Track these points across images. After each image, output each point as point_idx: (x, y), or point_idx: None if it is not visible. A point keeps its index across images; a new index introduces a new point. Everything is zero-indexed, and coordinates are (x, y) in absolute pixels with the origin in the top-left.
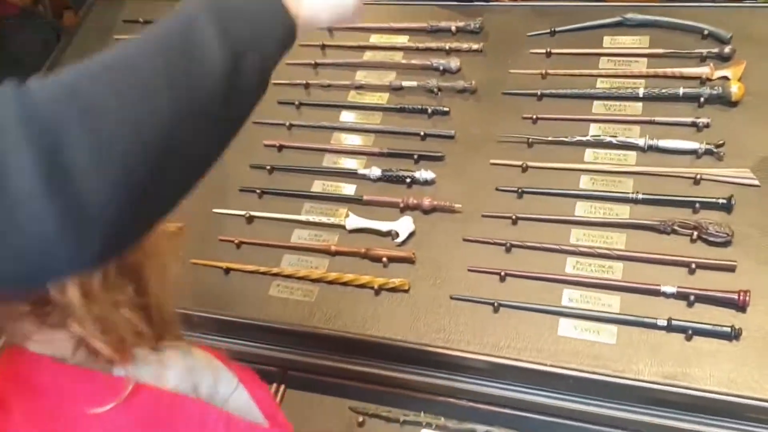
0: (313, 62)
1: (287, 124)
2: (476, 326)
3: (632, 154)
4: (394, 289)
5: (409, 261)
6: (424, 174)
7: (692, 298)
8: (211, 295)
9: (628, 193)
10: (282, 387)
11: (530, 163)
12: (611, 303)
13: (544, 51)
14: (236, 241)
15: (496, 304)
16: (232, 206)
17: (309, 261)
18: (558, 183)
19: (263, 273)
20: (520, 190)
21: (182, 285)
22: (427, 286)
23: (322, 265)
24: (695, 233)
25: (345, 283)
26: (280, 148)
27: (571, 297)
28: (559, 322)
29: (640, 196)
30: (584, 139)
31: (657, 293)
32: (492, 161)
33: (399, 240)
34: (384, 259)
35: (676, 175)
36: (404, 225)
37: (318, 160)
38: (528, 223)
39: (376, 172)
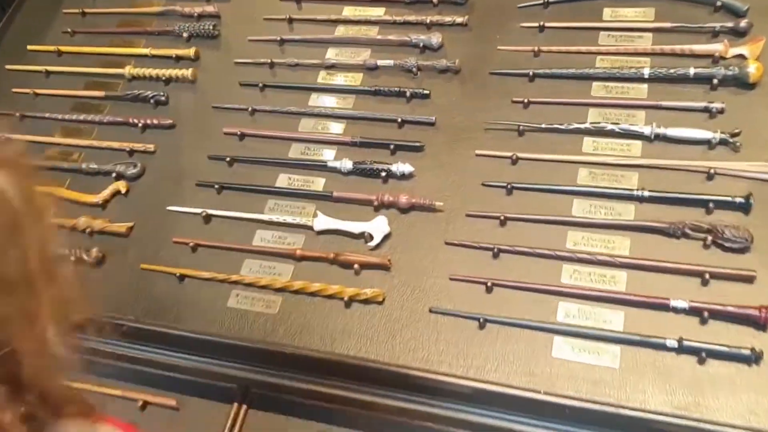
0: (278, 38)
1: (249, 109)
2: (459, 344)
3: (637, 144)
4: (366, 301)
5: (384, 268)
6: (401, 167)
7: (706, 314)
8: (163, 306)
9: (632, 189)
10: (243, 407)
11: (521, 154)
12: (613, 319)
13: (536, 25)
14: (192, 244)
15: (481, 320)
16: (188, 203)
17: (272, 267)
18: (552, 177)
19: (221, 281)
20: (509, 186)
21: (132, 292)
22: (403, 297)
23: (286, 271)
24: (709, 238)
25: (312, 293)
26: (242, 136)
27: (567, 312)
28: (553, 341)
29: (646, 193)
30: (582, 126)
31: (666, 308)
32: (478, 152)
33: (372, 243)
34: (356, 265)
35: (686, 168)
36: (378, 226)
37: (284, 151)
38: (518, 224)
39: (347, 164)
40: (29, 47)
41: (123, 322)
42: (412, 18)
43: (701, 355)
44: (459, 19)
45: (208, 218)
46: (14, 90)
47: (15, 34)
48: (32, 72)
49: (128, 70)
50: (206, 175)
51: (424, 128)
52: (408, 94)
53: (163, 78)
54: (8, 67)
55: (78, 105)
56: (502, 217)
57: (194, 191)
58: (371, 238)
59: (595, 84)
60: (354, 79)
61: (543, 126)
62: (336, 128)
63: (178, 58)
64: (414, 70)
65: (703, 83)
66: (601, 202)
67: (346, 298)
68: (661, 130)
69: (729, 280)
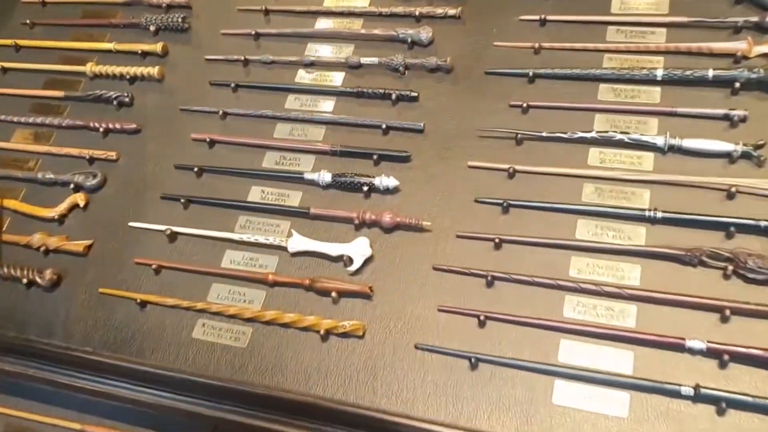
0: (253, 32)
1: (220, 112)
2: (448, 387)
3: (648, 157)
4: (345, 335)
5: (365, 296)
6: (385, 181)
7: (726, 357)
8: (123, 335)
9: (643, 209)
10: None
11: (519, 167)
12: (622, 361)
13: (537, 18)
14: (155, 266)
15: (473, 359)
16: (152, 218)
17: (242, 293)
18: (554, 193)
19: (186, 308)
20: (505, 203)
21: (90, 319)
22: (386, 330)
23: (257, 298)
24: (729, 267)
25: (285, 325)
26: (212, 143)
27: (570, 351)
28: (554, 384)
29: (659, 214)
30: (588, 135)
31: (680, 348)
32: (470, 163)
33: (352, 268)
34: (333, 293)
35: (704, 186)
36: (359, 248)
37: (257, 160)
38: (515, 248)
39: (326, 177)
40: None
41: (79, 353)
42: (399, 9)
43: (721, 404)
44: (451, 12)
45: (173, 236)
46: None
47: None
48: None
49: (90, 67)
50: (172, 187)
51: (412, 135)
52: (394, 96)
53: (128, 76)
54: None
55: (36, 106)
56: (496, 240)
57: (159, 204)
58: (351, 261)
59: (602, 86)
60: (335, 79)
61: (544, 134)
62: (315, 134)
63: (145, 54)
64: (401, 68)
65: (724, 87)
66: (608, 223)
67: (322, 331)
68: (676, 141)
69: (752, 317)
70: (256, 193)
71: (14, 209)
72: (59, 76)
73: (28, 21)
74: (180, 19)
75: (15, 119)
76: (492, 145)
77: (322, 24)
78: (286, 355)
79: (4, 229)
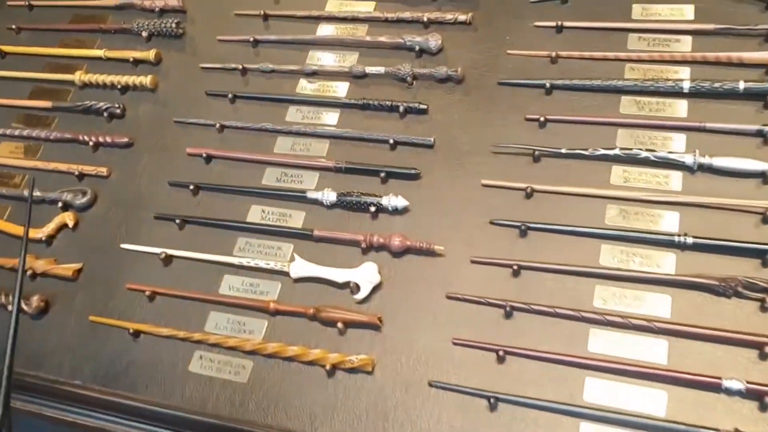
0: (251, 38)
1: (217, 125)
2: (465, 429)
3: (676, 176)
4: (353, 370)
5: (374, 327)
6: (393, 200)
7: (767, 399)
8: (115, 367)
9: (672, 234)
10: None
11: (537, 186)
12: (652, 402)
13: (553, 24)
14: (148, 292)
15: (492, 399)
16: (145, 240)
17: (242, 323)
18: (575, 215)
19: (183, 339)
20: (523, 226)
21: (80, 350)
22: (397, 365)
23: (258, 328)
24: (767, 298)
25: (289, 358)
26: (209, 158)
27: (596, 390)
28: (579, 427)
29: (689, 239)
30: (611, 152)
31: (716, 389)
32: (484, 182)
33: (360, 296)
34: (339, 324)
35: (737, 208)
36: (367, 274)
37: (257, 176)
38: (535, 275)
39: (330, 196)
40: None
41: (68, 387)
42: (406, 15)
43: None
44: (462, 17)
45: (168, 259)
46: None
47: None
48: None
49: (79, 76)
50: (167, 205)
51: (421, 151)
52: (402, 108)
53: (119, 86)
54: None
55: (22, 117)
56: (515, 266)
57: (152, 225)
58: (358, 289)
59: (624, 98)
60: (339, 90)
61: (563, 151)
62: (318, 149)
63: (137, 62)
64: (408, 78)
65: (755, 100)
66: (634, 248)
67: (328, 366)
68: (706, 160)
69: None
70: (256, 213)
71: None
72: (47, 85)
73: (13, 26)
74: (174, 25)
75: (1, 131)
76: (507, 161)
77: (325, 30)
78: (289, 392)
79: None
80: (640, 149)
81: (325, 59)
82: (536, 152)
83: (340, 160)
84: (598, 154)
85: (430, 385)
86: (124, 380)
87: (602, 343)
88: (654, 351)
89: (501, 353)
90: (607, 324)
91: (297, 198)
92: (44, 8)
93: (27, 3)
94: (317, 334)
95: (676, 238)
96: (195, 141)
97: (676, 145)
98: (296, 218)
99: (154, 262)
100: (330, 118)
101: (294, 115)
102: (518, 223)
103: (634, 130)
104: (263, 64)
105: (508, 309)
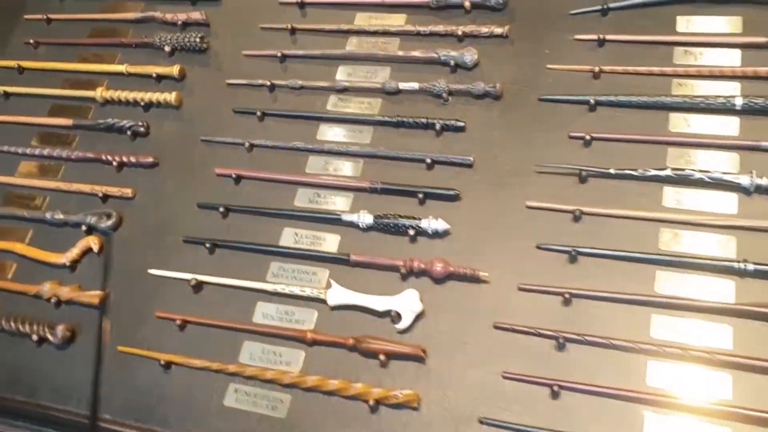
0: (278, 53)
1: (247, 144)
2: None
3: (731, 198)
4: (398, 405)
5: (418, 359)
6: (433, 223)
7: None
8: (145, 401)
9: (731, 260)
10: None
11: (585, 209)
12: None
13: (594, 37)
14: (179, 321)
15: None
16: (174, 264)
17: (277, 353)
18: (627, 240)
19: (216, 371)
20: (573, 251)
21: (108, 382)
22: (444, 400)
23: (294, 359)
24: None
25: (329, 392)
26: (238, 179)
27: (657, 426)
28: None
29: (749, 266)
30: (662, 173)
31: None
32: (529, 203)
33: (402, 326)
34: (381, 356)
35: None
36: (408, 302)
37: (288, 197)
38: (587, 303)
39: (366, 219)
40: None
41: (97, 421)
42: (440, 28)
43: None
44: (498, 30)
45: (198, 286)
46: None
47: None
48: None
49: (100, 92)
50: (196, 228)
51: (459, 170)
52: (438, 126)
53: (142, 103)
54: None
55: (42, 136)
56: (566, 294)
57: (181, 248)
58: (399, 318)
59: (672, 116)
60: (371, 106)
61: (612, 171)
62: (350, 169)
63: (160, 78)
64: (444, 95)
65: None
66: (691, 275)
67: (371, 401)
68: (763, 181)
69: None
70: (288, 236)
71: (21, 254)
72: (66, 102)
73: (32, 40)
74: (198, 39)
75: (19, 150)
76: (551, 182)
77: (354, 45)
78: (330, 428)
79: (9, 276)
80: (693, 170)
81: (356, 75)
82: (583, 172)
83: (375, 180)
84: (649, 175)
85: (481, 422)
86: (157, 414)
87: (661, 376)
88: (717, 384)
89: (555, 388)
90: (664, 356)
91: (331, 220)
92: (62, 22)
93: (45, 17)
94: (357, 365)
95: (736, 265)
96: (222, 160)
97: (730, 166)
98: (330, 242)
99: (184, 288)
100: (363, 136)
101: (325, 133)
102: (567, 248)
103: (684, 149)
104: (292, 80)
105: (560, 340)
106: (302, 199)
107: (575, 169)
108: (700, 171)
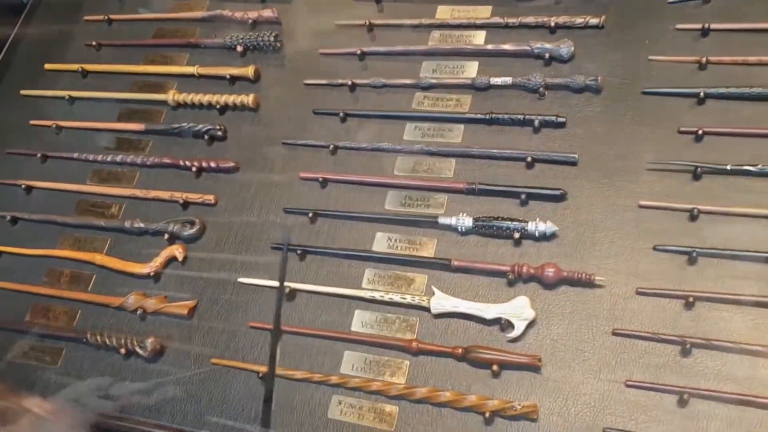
0: (357, 51)
1: (330, 146)
2: None
3: None
4: (515, 417)
5: (533, 368)
6: (540, 226)
7: None
8: (244, 415)
9: None
10: None
11: (703, 207)
12: None
13: (697, 26)
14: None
15: None
16: (263, 271)
17: (380, 363)
18: (746, 240)
19: (318, 382)
20: (694, 252)
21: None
22: (564, 411)
23: (399, 368)
24: None
25: (440, 404)
26: (324, 182)
27: None
28: None
29: None
30: None
31: None
32: (642, 203)
33: (513, 335)
34: (495, 366)
35: None
36: (519, 309)
37: (378, 201)
38: (711, 307)
39: (465, 221)
40: (47, 66)
41: None
42: (530, 20)
43: None
44: (593, 20)
45: (292, 294)
46: (32, 123)
47: (29, 49)
48: (52, 98)
49: (172, 95)
50: (283, 234)
51: (562, 169)
52: (536, 122)
53: (217, 105)
54: (23, 92)
55: (114, 141)
56: (690, 298)
57: (270, 255)
58: (510, 326)
59: None
60: (461, 103)
61: (728, 167)
62: (442, 169)
63: (234, 79)
64: (540, 89)
65: None
66: None
67: (487, 414)
68: None
69: None
70: (381, 241)
71: (101, 265)
72: (135, 106)
73: (93, 42)
74: (272, 38)
75: (90, 157)
76: (663, 179)
77: (437, 39)
78: None
79: (89, 288)
80: None
81: (442, 71)
82: (698, 169)
83: (472, 180)
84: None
85: None
86: (257, 429)
87: None
88: None
89: (685, 396)
90: None
91: (426, 224)
92: (124, 22)
93: (105, 17)
94: (465, 376)
95: None
96: (305, 163)
97: None
98: (427, 246)
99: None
100: (453, 134)
101: (413, 132)
102: (687, 249)
103: None
104: (374, 78)
105: (685, 345)
106: (393, 202)
107: (690, 166)
108: None
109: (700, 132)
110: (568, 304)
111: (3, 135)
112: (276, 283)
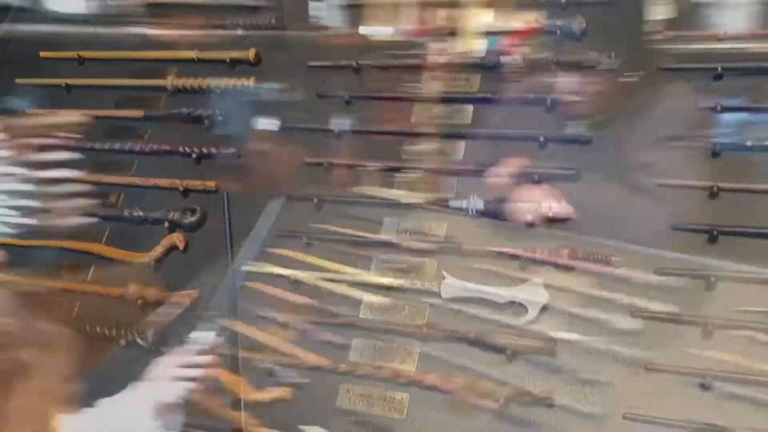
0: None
1: (336, 130)
2: None
3: None
4: (530, 403)
5: (547, 353)
6: (554, 207)
7: None
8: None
9: None
10: None
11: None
12: None
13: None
14: (281, 319)
15: None
16: (268, 258)
17: (389, 348)
18: None
19: (328, 370)
20: (716, 231)
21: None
22: (581, 394)
23: (408, 355)
24: None
25: (452, 391)
26: (329, 165)
27: None
28: None
29: None
30: None
31: None
32: (659, 181)
33: (526, 318)
34: (508, 350)
35: None
36: (532, 292)
37: (387, 182)
38: (727, 283)
39: (476, 203)
40: (42, 53)
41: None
42: None
43: None
44: None
45: (297, 280)
46: (29, 112)
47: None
48: (48, 86)
49: (171, 80)
50: (287, 221)
51: (576, 148)
52: (548, 101)
53: (218, 90)
54: (18, 80)
55: (111, 129)
56: (712, 278)
57: (274, 242)
58: (524, 310)
59: None
60: (469, 83)
61: (749, 144)
62: (450, 148)
63: (234, 63)
64: (552, 67)
65: None
66: None
67: (501, 401)
68: None
69: None
70: (390, 226)
71: (100, 254)
72: (134, 92)
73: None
74: (273, 21)
75: (88, 145)
76: (680, 157)
77: (445, 18)
78: (453, 428)
79: (88, 279)
80: None
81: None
82: (717, 146)
83: (477, 159)
84: None
85: (625, 417)
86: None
87: None
88: None
89: (707, 380)
90: None
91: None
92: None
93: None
94: (481, 359)
95: None
96: (309, 147)
97: None
98: (438, 227)
99: (281, 281)
100: (461, 114)
101: (420, 113)
102: (706, 227)
103: None
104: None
105: (709, 327)
106: (400, 187)
107: (706, 140)
108: None
109: (719, 108)
110: (581, 287)
111: None
112: (282, 271)
